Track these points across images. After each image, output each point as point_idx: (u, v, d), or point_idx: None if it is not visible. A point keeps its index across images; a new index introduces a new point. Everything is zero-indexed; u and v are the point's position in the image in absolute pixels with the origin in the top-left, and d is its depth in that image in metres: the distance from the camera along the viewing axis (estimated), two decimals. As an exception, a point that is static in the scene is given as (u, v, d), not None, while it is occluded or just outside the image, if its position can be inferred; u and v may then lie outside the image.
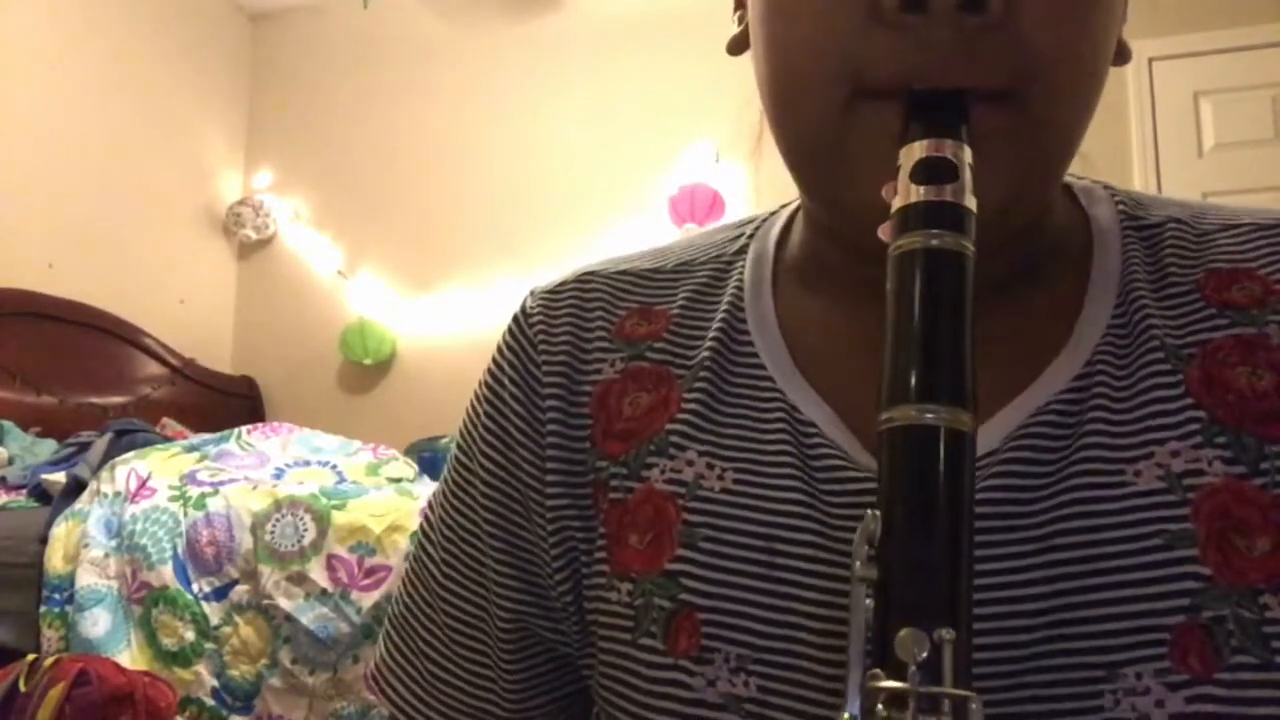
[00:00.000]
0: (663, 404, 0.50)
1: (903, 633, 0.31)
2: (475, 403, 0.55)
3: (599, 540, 0.49)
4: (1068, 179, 0.51)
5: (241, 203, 3.92)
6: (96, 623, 1.99)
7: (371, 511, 1.99)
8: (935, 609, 0.31)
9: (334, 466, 2.40)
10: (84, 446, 2.48)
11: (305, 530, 1.97)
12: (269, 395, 3.87)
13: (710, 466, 0.47)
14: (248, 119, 4.08)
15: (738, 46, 0.51)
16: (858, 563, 0.33)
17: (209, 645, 1.97)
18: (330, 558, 1.93)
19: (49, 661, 1.75)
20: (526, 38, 3.70)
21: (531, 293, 0.57)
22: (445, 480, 0.57)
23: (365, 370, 3.74)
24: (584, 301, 0.54)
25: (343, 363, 3.77)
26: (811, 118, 0.43)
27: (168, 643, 1.98)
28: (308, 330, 3.82)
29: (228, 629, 1.97)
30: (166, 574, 2.02)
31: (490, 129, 3.71)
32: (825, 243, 0.51)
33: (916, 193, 0.37)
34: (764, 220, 0.57)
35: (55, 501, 2.23)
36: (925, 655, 0.30)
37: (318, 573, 1.92)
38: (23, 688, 1.69)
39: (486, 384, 0.55)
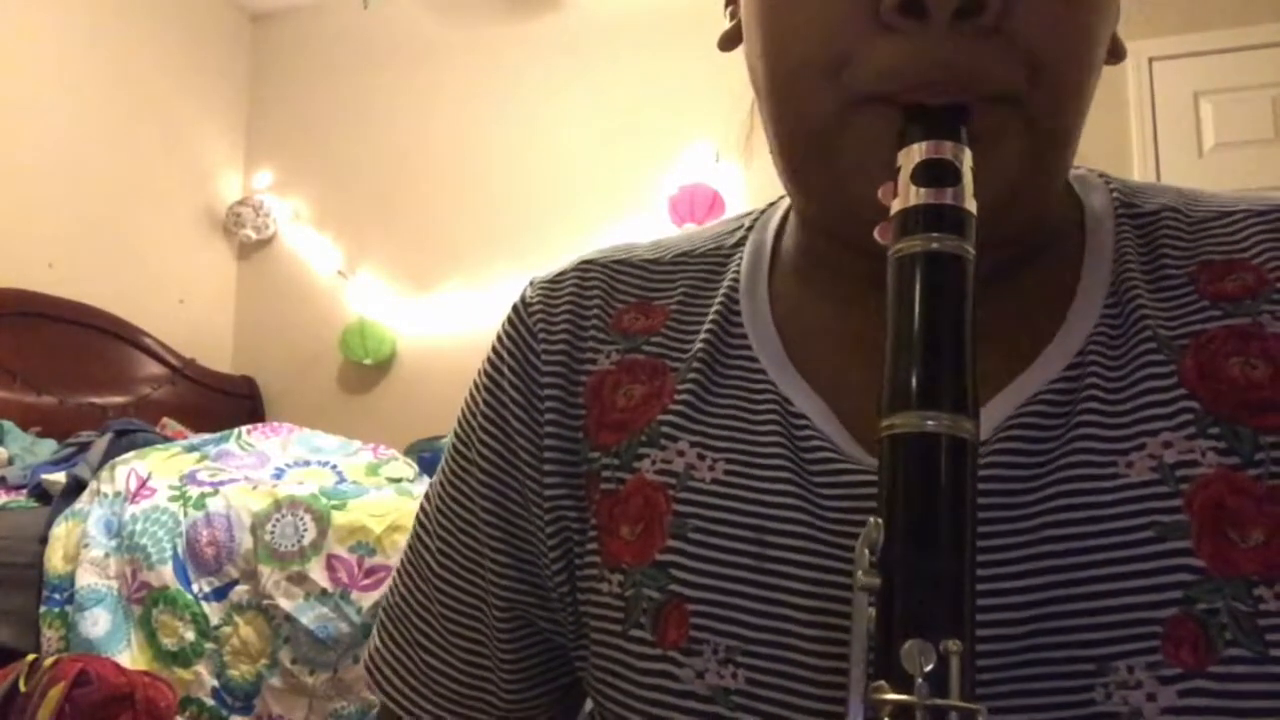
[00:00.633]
0: (656, 395, 0.50)
1: (908, 644, 0.30)
2: (474, 392, 0.55)
3: (591, 531, 0.49)
4: None
5: (241, 203, 3.92)
6: (96, 623, 1.99)
7: (371, 511, 1.99)
8: (941, 620, 0.31)
9: (334, 466, 2.40)
10: (84, 446, 2.48)
11: (305, 530, 1.97)
12: (269, 395, 3.87)
13: (701, 457, 0.47)
14: (248, 119, 4.08)
15: (729, 42, 0.51)
16: (859, 571, 0.33)
17: (209, 645, 1.97)
18: (330, 558, 1.93)
19: (49, 661, 1.74)
20: (526, 38, 3.70)
21: (531, 283, 0.57)
22: (442, 469, 0.57)
23: (365, 370, 3.74)
24: (583, 291, 0.54)
25: (343, 363, 3.77)
26: (808, 117, 0.43)
27: (168, 643, 1.98)
28: (308, 330, 3.82)
29: (228, 629, 1.97)
30: (166, 574, 2.02)
31: (490, 129, 3.70)
32: (817, 239, 0.51)
33: (917, 195, 0.37)
34: (763, 213, 0.57)
35: (55, 501, 2.23)
36: (931, 667, 0.30)
37: (318, 573, 1.92)
38: (23, 688, 1.69)
39: (485, 373, 0.55)
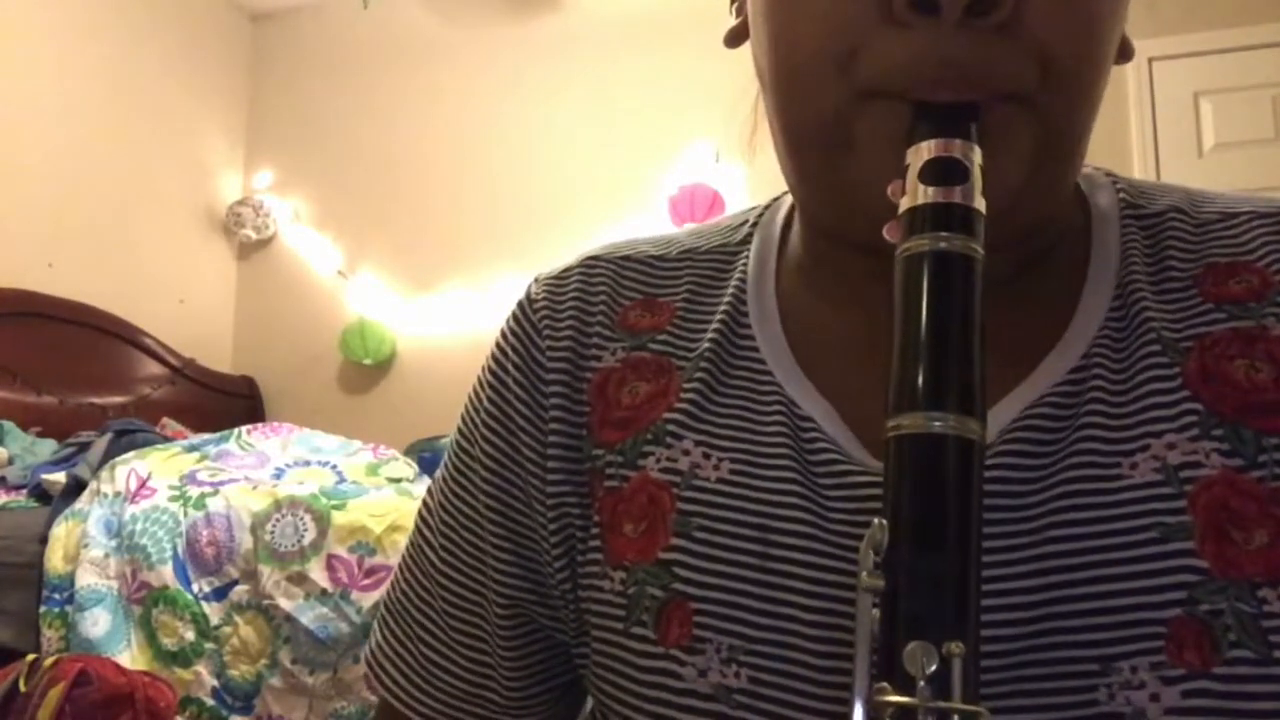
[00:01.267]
0: (662, 393, 0.49)
1: (911, 646, 0.30)
2: (478, 389, 0.55)
3: (594, 529, 0.48)
4: None
5: (241, 203, 3.92)
6: (96, 623, 1.99)
7: (371, 511, 1.99)
8: (944, 622, 0.31)
9: (334, 466, 2.40)
10: (84, 446, 2.48)
11: (305, 530, 1.97)
12: (269, 395, 3.87)
13: (706, 456, 0.47)
14: (248, 119, 4.08)
15: (736, 39, 0.51)
16: (864, 573, 0.33)
17: (209, 645, 1.97)
18: (330, 558, 1.93)
19: (49, 661, 1.74)
20: (526, 38, 3.70)
21: (536, 279, 0.56)
22: (445, 466, 0.56)
23: (365, 370, 3.73)
24: (588, 288, 0.54)
25: (343, 363, 3.77)
26: (816, 111, 0.43)
27: (168, 643, 1.98)
28: (308, 330, 3.82)
29: (228, 629, 1.97)
30: (166, 574, 2.02)
31: (490, 129, 3.70)
32: (821, 240, 0.50)
33: (925, 194, 0.36)
34: (767, 208, 0.57)
35: (55, 501, 2.23)
36: (934, 669, 0.30)
37: (318, 573, 1.92)
38: (23, 688, 1.69)
39: (489, 370, 0.55)
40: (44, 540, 2.13)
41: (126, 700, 1.70)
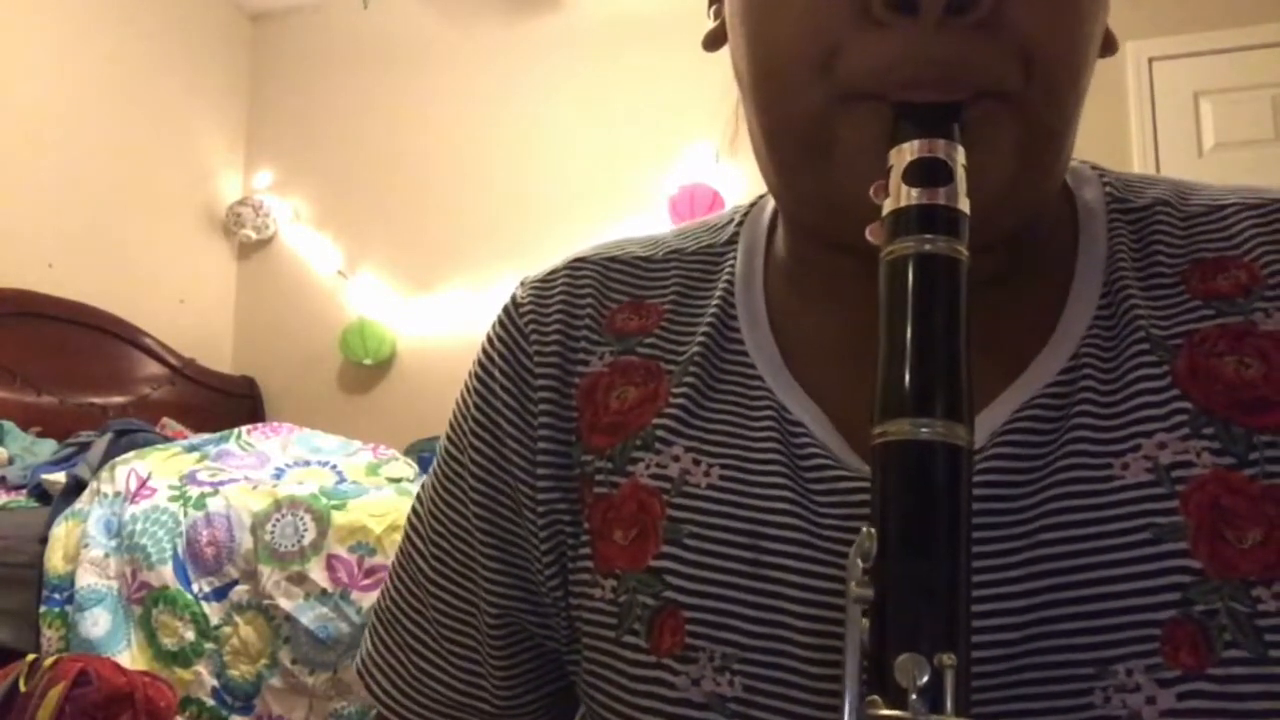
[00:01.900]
0: (651, 398, 0.49)
1: (902, 657, 0.30)
2: (465, 395, 0.55)
3: (584, 536, 0.48)
4: None
5: (241, 203, 3.92)
6: (96, 623, 1.99)
7: (371, 511, 1.99)
8: (935, 633, 0.30)
9: (334, 466, 2.40)
10: (84, 446, 2.48)
11: (305, 530, 1.97)
12: (269, 395, 3.87)
13: (696, 462, 0.46)
14: (248, 119, 4.08)
15: (714, 42, 0.50)
16: (853, 583, 0.32)
17: (209, 645, 1.97)
18: (330, 558, 1.93)
19: (49, 661, 1.74)
20: (526, 38, 3.70)
21: (522, 283, 0.56)
22: (434, 473, 0.56)
23: (365, 370, 3.73)
24: (575, 291, 0.53)
25: (343, 363, 3.77)
26: (796, 113, 0.42)
27: (168, 643, 1.98)
28: (308, 330, 3.82)
29: (228, 629, 1.97)
30: (166, 574, 2.02)
31: (490, 129, 3.70)
32: (806, 242, 0.50)
33: (909, 195, 0.36)
34: (752, 206, 0.56)
35: (55, 501, 2.23)
36: (926, 681, 0.29)
37: (318, 573, 1.92)
38: (23, 688, 1.69)
39: (476, 376, 0.54)
40: (44, 540, 2.13)
41: (126, 700, 1.70)
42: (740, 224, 0.55)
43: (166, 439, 2.60)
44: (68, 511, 2.17)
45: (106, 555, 2.07)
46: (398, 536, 1.93)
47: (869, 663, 0.31)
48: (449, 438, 0.55)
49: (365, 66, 3.87)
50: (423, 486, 0.57)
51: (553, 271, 0.55)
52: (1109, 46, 0.45)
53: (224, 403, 3.68)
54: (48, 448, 2.67)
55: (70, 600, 2.03)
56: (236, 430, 2.55)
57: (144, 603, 2.02)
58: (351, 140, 3.88)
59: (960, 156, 0.37)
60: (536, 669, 0.53)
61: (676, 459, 0.47)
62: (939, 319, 0.34)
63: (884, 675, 0.30)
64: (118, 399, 3.29)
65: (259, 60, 4.11)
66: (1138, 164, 3.06)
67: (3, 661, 1.85)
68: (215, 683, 1.95)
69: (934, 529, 0.32)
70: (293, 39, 4.06)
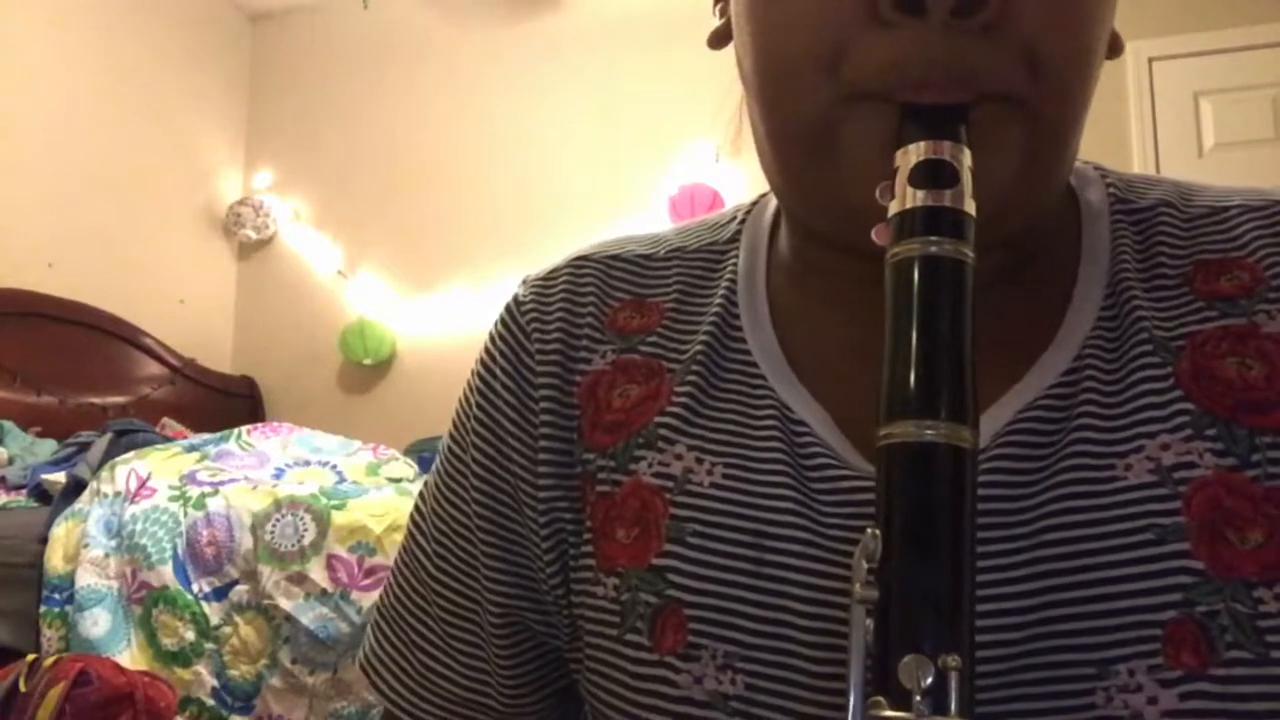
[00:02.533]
0: (653, 396, 0.49)
1: (907, 659, 0.30)
2: (467, 393, 0.55)
3: (586, 534, 0.48)
4: None
5: (241, 203, 3.92)
6: (96, 623, 1.99)
7: (371, 511, 1.99)
8: (940, 634, 0.30)
9: (334, 466, 2.40)
10: (84, 446, 2.48)
11: (305, 530, 1.97)
12: (269, 395, 3.87)
13: (699, 461, 0.46)
14: (248, 119, 4.08)
15: (719, 40, 0.50)
16: (857, 584, 0.32)
17: (209, 645, 1.97)
18: (330, 558, 1.93)
19: (49, 661, 1.74)
20: (526, 38, 3.70)
21: (524, 281, 0.56)
22: (437, 471, 0.56)
23: (365, 370, 3.73)
24: (577, 289, 0.53)
25: (343, 363, 3.77)
26: (801, 113, 0.42)
27: (168, 643, 1.98)
28: (308, 330, 3.82)
29: (228, 629, 1.96)
30: (166, 574, 2.02)
31: (490, 129, 3.70)
32: (809, 242, 0.50)
33: (915, 197, 0.36)
34: (755, 204, 0.56)
35: (55, 501, 2.23)
36: (930, 683, 0.29)
37: (318, 573, 1.91)
38: (23, 688, 1.69)
39: (478, 374, 0.54)
40: (44, 540, 2.13)
41: (126, 700, 1.70)
42: (742, 222, 0.55)
43: (166, 439, 2.60)
44: (68, 511, 2.17)
45: (106, 555, 2.07)
46: (398, 536, 1.93)
47: (873, 664, 0.31)
48: (451, 435, 0.55)
49: (365, 66, 3.87)
50: (426, 484, 0.57)
51: (554, 270, 0.55)
52: (1115, 49, 0.45)
53: (224, 403, 3.68)
54: (48, 448, 2.67)
55: (70, 600, 2.03)
56: (236, 430, 2.55)
57: (144, 603, 2.02)
58: (351, 140, 3.88)
59: (966, 158, 0.37)
60: (542, 667, 0.53)
61: (679, 457, 0.47)
62: (944, 321, 0.34)
63: (888, 676, 0.30)
64: (118, 399, 3.29)
65: (259, 60, 4.11)
66: (1138, 164, 3.06)
67: (3, 661, 1.85)
68: (215, 683, 1.95)
69: (939, 531, 0.32)
70: (293, 39, 4.06)
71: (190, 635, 1.97)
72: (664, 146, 3.41)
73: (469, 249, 3.63)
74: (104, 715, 1.67)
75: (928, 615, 0.31)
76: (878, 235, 0.37)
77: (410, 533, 0.57)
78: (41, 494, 2.35)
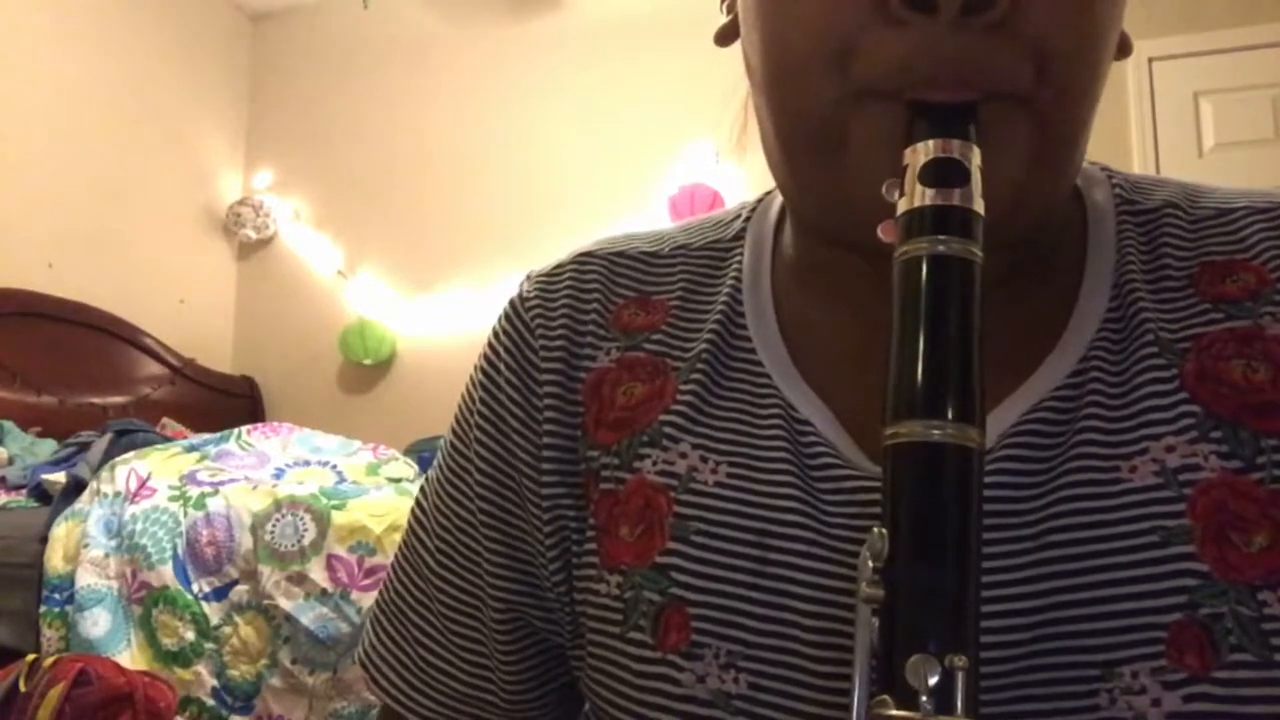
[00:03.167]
0: (658, 394, 0.49)
1: (914, 658, 0.30)
2: (470, 389, 0.55)
3: (589, 531, 0.48)
4: None
5: (241, 203, 3.92)
6: (96, 623, 1.99)
7: (371, 511, 1.99)
8: (946, 634, 0.30)
9: (334, 466, 2.39)
10: (84, 446, 2.48)
11: (305, 530, 1.96)
12: (269, 395, 3.87)
13: (704, 460, 0.46)
14: (248, 119, 4.08)
15: (726, 37, 0.50)
16: (863, 583, 0.32)
17: (209, 645, 1.97)
18: (330, 558, 1.93)
19: (49, 661, 1.74)
20: (526, 38, 3.70)
21: (528, 276, 0.56)
22: (439, 467, 0.56)
23: (365, 370, 3.73)
24: (581, 286, 0.53)
25: (343, 363, 3.77)
26: (810, 111, 0.42)
27: (168, 643, 1.98)
28: (308, 330, 3.82)
29: (228, 629, 1.96)
30: (166, 574, 2.01)
31: (490, 129, 3.70)
32: (815, 241, 0.49)
33: (924, 195, 0.35)
34: (759, 202, 0.56)
35: (55, 501, 2.23)
36: (936, 682, 0.29)
37: (318, 573, 1.91)
38: (23, 688, 1.69)
39: (482, 370, 0.54)
40: (44, 540, 2.12)
41: (126, 700, 1.70)
42: (747, 220, 0.55)
43: (166, 439, 2.60)
44: (68, 511, 2.17)
45: (106, 555, 2.07)
46: (398, 536, 1.93)
47: (878, 663, 0.31)
48: (454, 431, 0.55)
49: (365, 66, 3.87)
50: (427, 480, 0.57)
51: (559, 266, 0.55)
52: (1124, 49, 0.45)
53: (224, 403, 3.68)
54: (48, 448, 2.67)
55: (70, 600, 2.03)
56: (236, 430, 2.55)
57: (144, 603, 2.02)
58: (351, 140, 3.88)
59: (976, 158, 0.36)
60: (543, 663, 0.53)
61: (684, 456, 0.47)
62: (952, 321, 0.34)
63: (893, 676, 0.30)
64: (118, 399, 3.29)
65: (259, 60, 4.11)
66: (1138, 164, 3.06)
67: (3, 661, 1.85)
68: (215, 683, 1.95)
69: (945, 531, 0.32)
70: (293, 39, 4.06)
71: (190, 635, 1.97)
72: (664, 146, 3.41)
73: (469, 249, 3.63)
74: (104, 715, 1.67)
75: (934, 615, 0.31)
76: (884, 232, 0.37)
77: (411, 529, 0.57)
78: (41, 494, 2.35)
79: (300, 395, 3.81)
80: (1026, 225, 0.43)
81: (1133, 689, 0.38)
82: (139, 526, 2.08)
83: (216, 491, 2.12)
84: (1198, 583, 0.38)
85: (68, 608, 2.03)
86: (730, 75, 0.56)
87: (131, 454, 2.30)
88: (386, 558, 1.91)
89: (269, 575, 1.94)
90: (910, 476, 0.32)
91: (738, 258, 0.53)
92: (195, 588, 2.00)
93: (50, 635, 2.02)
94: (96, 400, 3.21)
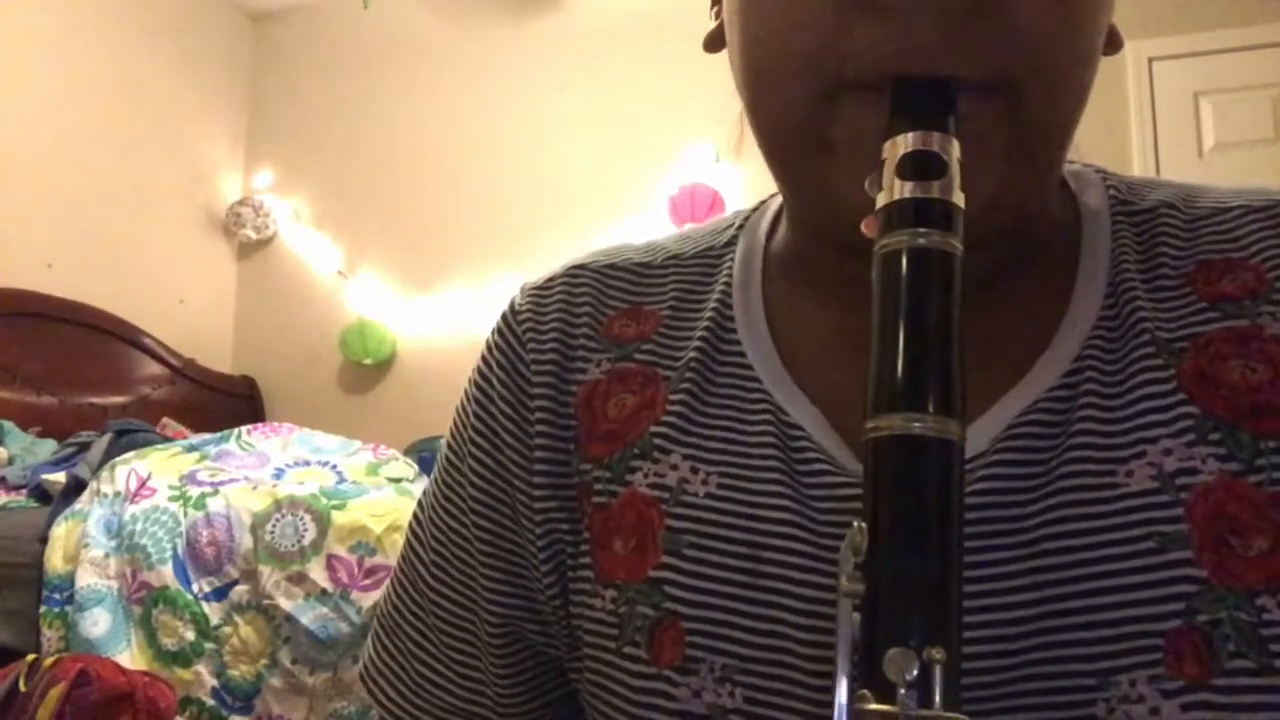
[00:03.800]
0: (648, 405, 0.48)
1: (892, 652, 0.29)
2: (465, 402, 0.54)
3: (583, 545, 0.47)
4: None
5: (241, 203, 3.92)
6: (96, 623, 1.99)
7: (371, 511, 1.99)
8: (924, 627, 0.30)
9: (334, 466, 2.40)
10: (84, 446, 2.48)
11: (305, 530, 1.97)
12: (269, 395, 3.87)
13: (694, 471, 0.46)
14: (248, 119, 4.08)
15: (714, 43, 0.49)
16: (844, 577, 0.32)
17: (209, 645, 1.97)
18: (330, 558, 1.93)
19: (49, 661, 1.74)
20: (526, 38, 3.70)
21: (521, 289, 0.55)
22: (435, 480, 0.55)
23: (365, 370, 3.74)
24: (572, 298, 0.53)
25: (343, 363, 3.77)
26: (791, 109, 0.41)
27: (168, 643, 1.98)
28: (308, 330, 3.82)
29: (228, 629, 1.97)
30: (166, 574, 2.02)
31: (490, 129, 3.71)
32: (808, 240, 0.49)
33: (902, 189, 0.35)
34: (753, 212, 0.55)
35: (55, 501, 2.23)
36: (915, 675, 0.29)
37: (318, 573, 1.92)
38: (23, 688, 1.69)
39: (475, 383, 0.54)
40: (44, 540, 2.13)
41: (126, 700, 1.70)
42: (740, 227, 0.54)
43: (166, 439, 2.60)
44: (68, 511, 2.17)
45: (106, 555, 2.07)
46: (398, 536, 1.94)
47: (859, 658, 0.31)
48: (449, 444, 0.55)
49: (365, 66, 3.87)
50: (425, 492, 0.57)
51: (551, 279, 0.55)
52: (1114, 43, 0.44)
53: (224, 403, 3.68)
54: (48, 448, 2.67)
55: (70, 600, 2.03)
56: (236, 430, 2.55)
57: (144, 603, 2.02)
58: (352, 140, 3.88)
59: (955, 150, 0.36)
60: (538, 677, 0.52)
61: (674, 467, 0.46)
62: (932, 313, 0.33)
63: (874, 670, 0.30)
64: (118, 399, 3.29)
65: (259, 60, 4.11)
66: (1138, 164, 3.06)
67: (3, 661, 1.85)
68: (215, 683, 1.95)
69: (925, 523, 0.31)
70: (293, 39, 4.07)
71: (190, 635, 1.97)
72: (664, 147, 3.41)
73: (469, 249, 3.63)
74: (104, 715, 1.67)
75: (913, 608, 0.30)
76: (866, 227, 0.37)
77: (409, 541, 0.57)
78: (41, 494, 2.35)
79: (300, 395, 3.81)
80: (1008, 220, 0.42)
81: (1130, 698, 0.37)
82: (139, 526, 2.08)
83: (216, 491, 2.12)
84: (1195, 589, 0.37)
85: (68, 608, 2.03)
86: (730, 76, 0.56)
87: (131, 454, 2.30)
88: (386, 558, 1.92)
89: (269, 575, 1.94)
90: (890, 470, 0.32)
91: (728, 263, 0.52)
92: (195, 588, 2.01)
93: (50, 635, 2.02)
94: (96, 400, 3.21)
